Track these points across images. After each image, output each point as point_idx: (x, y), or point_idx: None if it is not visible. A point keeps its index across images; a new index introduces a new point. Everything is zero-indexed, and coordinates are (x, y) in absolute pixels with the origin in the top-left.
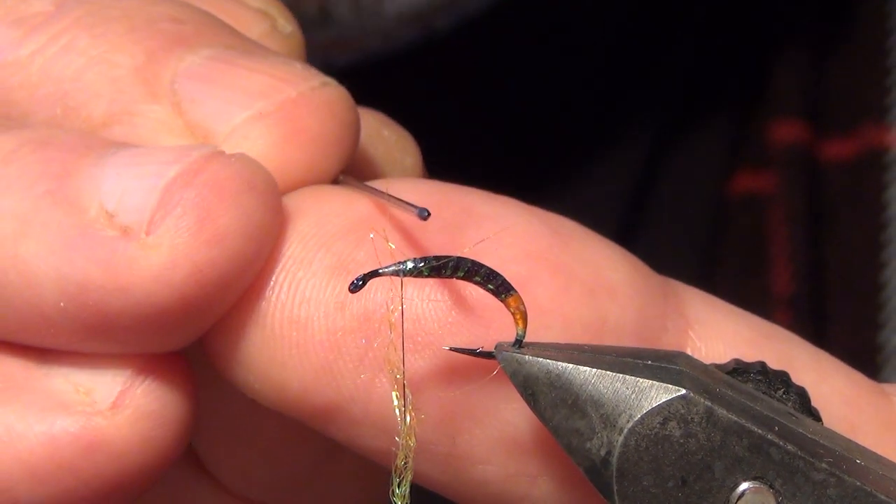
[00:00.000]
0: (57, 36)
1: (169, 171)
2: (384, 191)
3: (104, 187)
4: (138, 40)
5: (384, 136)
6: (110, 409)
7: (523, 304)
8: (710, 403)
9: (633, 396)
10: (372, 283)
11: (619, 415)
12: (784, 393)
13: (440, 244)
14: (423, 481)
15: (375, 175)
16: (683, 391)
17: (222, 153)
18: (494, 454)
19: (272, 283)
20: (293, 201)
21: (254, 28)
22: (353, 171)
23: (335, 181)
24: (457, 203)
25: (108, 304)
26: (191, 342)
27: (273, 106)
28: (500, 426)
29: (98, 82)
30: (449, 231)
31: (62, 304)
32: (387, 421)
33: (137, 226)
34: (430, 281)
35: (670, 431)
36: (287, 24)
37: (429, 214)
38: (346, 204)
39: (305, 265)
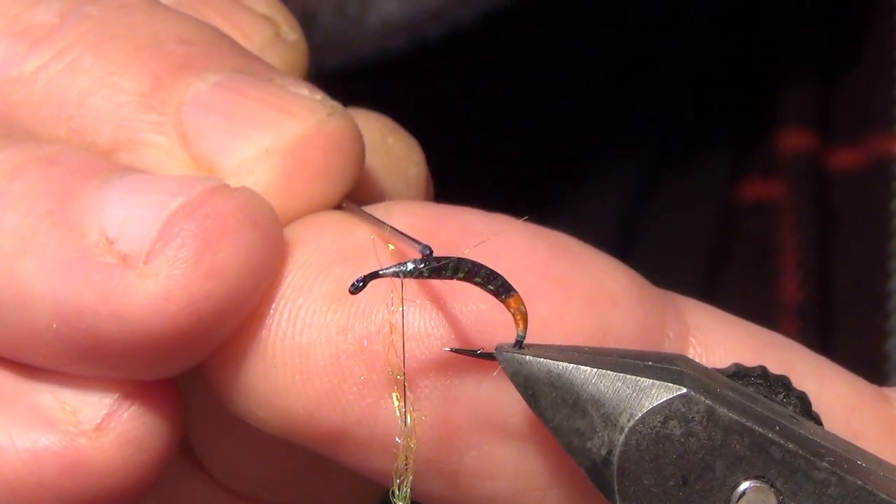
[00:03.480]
0: (62, 53)
1: (172, 202)
2: (386, 223)
3: (106, 213)
4: (145, 63)
5: (388, 145)
6: (94, 430)
7: (523, 304)
8: (710, 402)
9: (633, 395)
10: (373, 302)
11: (620, 414)
12: (785, 397)
13: None
14: (429, 499)
15: (378, 185)
16: (684, 390)
17: (226, 187)
18: (503, 470)
19: (272, 311)
20: (292, 230)
21: (258, 35)
22: (356, 185)
23: (338, 207)
24: (452, 222)
25: (101, 330)
26: (184, 371)
27: (279, 142)
28: (507, 436)
29: (103, 108)
30: (445, 250)
31: (55, 325)
32: (393, 442)
33: (136, 255)
34: (431, 282)
35: (671, 430)
36: (291, 32)
37: (431, 253)
38: (344, 230)
39: (305, 292)
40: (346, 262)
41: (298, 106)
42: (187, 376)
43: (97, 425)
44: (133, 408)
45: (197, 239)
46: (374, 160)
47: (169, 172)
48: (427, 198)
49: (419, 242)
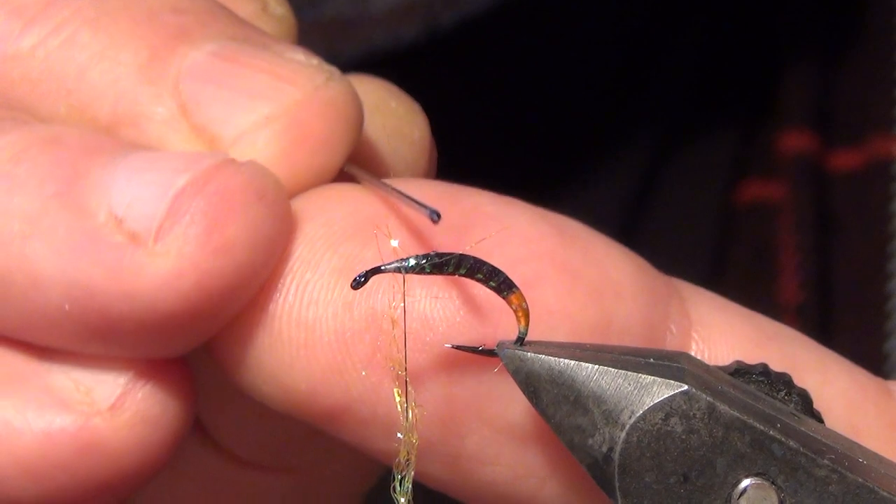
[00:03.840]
0: (58, 28)
1: (179, 179)
2: (390, 185)
3: (114, 192)
4: (141, 35)
5: (392, 108)
6: (109, 410)
7: (525, 301)
8: (711, 399)
9: (634, 392)
10: (377, 281)
11: (621, 411)
12: (786, 394)
13: (446, 243)
14: (430, 481)
15: (382, 150)
16: (685, 387)
17: (233, 161)
18: (503, 455)
19: (280, 285)
20: (301, 203)
21: (245, 8)
22: (360, 149)
23: (340, 171)
24: (463, 203)
25: (113, 309)
26: (194, 348)
27: (279, 110)
28: (508, 427)
29: (102, 82)
30: (455, 231)
31: (67, 306)
32: (395, 421)
33: (146, 233)
34: (433, 278)
35: (672, 427)
36: (278, 6)
37: (439, 217)
38: (353, 205)
39: (313, 267)
40: (354, 238)
41: (296, 72)
42: None
43: (111, 405)
44: (147, 387)
45: (206, 216)
46: (377, 124)
47: (171, 145)
48: (430, 162)
49: (427, 207)
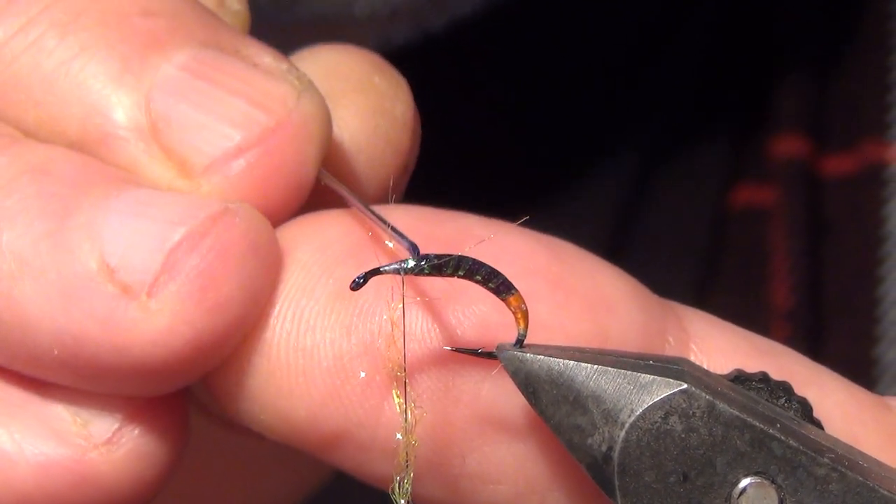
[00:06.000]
0: (25, 28)
1: (174, 233)
2: (376, 212)
3: (106, 238)
4: (111, 43)
5: (374, 84)
6: (105, 444)
7: (524, 303)
8: (711, 398)
9: (634, 391)
10: (377, 303)
11: (621, 410)
12: (786, 401)
13: None
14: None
15: (366, 126)
16: (685, 385)
17: (227, 211)
18: (505, 473)
19: (276, 313)
20: (292, 230)
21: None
22: (335, 147)
23: (316, 181)
24: (451, 225)
25: (103, 359)
26: (185, 387)
27: (251, 139)
28: (509, 442)
29: (70, 95)
30: (444, 251)
31: (56, 351)
32: (395, 446)
33: (139, 286)
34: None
35: (672, 426)
36: (235, 2)
37: (418, 252)
38: (345, 230)
39: (308, 293)
40: (347, 262)
41: (267, 94)
42: None
43: (108, 439)
44: (143, 423)
45: (201, 275)
46: (360, 99)
47: (143, 166)
48: (414, 139)
49: (406, 239)
